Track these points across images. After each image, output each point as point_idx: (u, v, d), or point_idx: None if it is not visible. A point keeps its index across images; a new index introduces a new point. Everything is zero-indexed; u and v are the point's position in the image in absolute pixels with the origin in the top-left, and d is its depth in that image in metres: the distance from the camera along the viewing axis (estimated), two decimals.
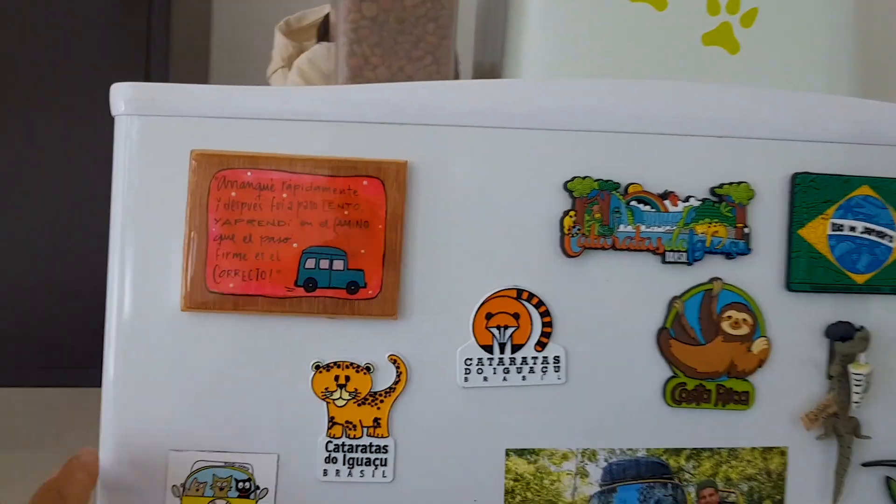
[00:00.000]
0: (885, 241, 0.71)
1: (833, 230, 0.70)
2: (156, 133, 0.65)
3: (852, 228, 0.70)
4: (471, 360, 0.67)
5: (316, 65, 0.91)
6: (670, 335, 0.68)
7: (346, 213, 0.64)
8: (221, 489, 0.66)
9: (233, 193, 0.63)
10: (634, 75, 0.85)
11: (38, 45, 1.01)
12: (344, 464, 0.67)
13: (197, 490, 0.66)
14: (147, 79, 1.06)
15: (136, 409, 0.67)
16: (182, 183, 0.64)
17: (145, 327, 0.65)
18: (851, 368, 0.69)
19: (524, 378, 0.67)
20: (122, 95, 0.65)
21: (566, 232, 0.67)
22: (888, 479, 0.74)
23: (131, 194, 0.65)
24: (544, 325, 0.67)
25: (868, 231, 0.71)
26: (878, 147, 0.71)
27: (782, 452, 0.71)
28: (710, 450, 0.70)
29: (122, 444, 0.66)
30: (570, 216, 0.67)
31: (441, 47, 0.85)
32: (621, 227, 0.67)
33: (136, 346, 0.66)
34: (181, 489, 0.66)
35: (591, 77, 0.82)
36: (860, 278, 0.70)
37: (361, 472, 0.67)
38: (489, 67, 0.95)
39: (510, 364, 0.67)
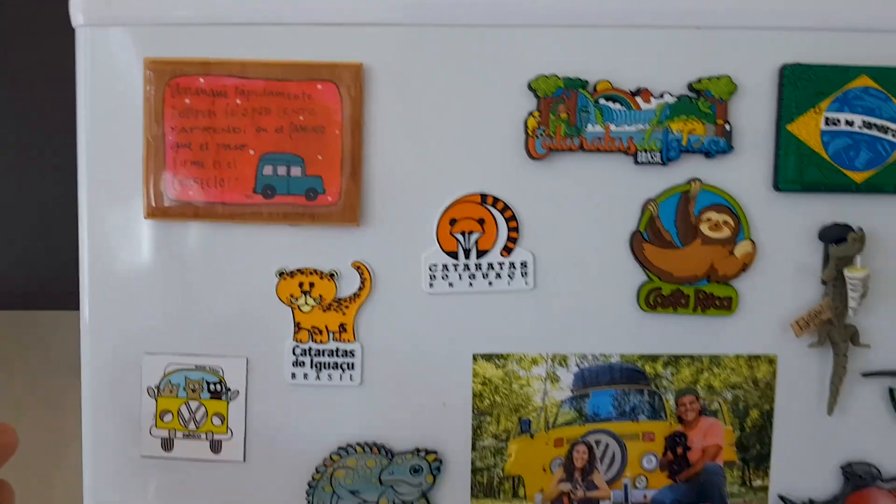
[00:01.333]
0: (888, 136, 0.67)
1: (827, 125, 0.67)
2: (113, 43, 0.67)
3: (849, 123, 0.67)
4: (435, 266, 0.67)
5: None
6: (644, 238, 0.67)
7: (301, 118, 0.65)
8: (194, 391, 0.69)
9: (187, 101, 0.64)
10: None
11: None
12: (312, 367, 0.69)
13: (171, 392, 0.69)
14: None
15: (111, 315, 0.74)
16: (139, 93, 0.64)
17: (114, 237, 0.70)
18: (847, 272, 0.67)
19: (491, 284, 0.67)
20: (80, 7, 0.65)
21: (530, 133, 0.66)
22: (892, 390, 0.71)
23: (93, 106, 0.71)
24: (510, 230, 0.67)
25: (868, 125, 0.67)
26: (880, 34, 0.66)
27: (771, 361, 0.69)
28: (690, 357, 0.69)
29: (98, 350, 0.74)
30: (535, 117, 0.65)
31: None
32: (589, 127, 0.66)
33: (106, 256, 0.73)
34: (156, 391, 0.69)
35: None
36: (858, 177, 0.67)
37: (329, 375, 0.69)
38: None
39: (476, 270, 0.67)
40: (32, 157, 1.05)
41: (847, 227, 0.70)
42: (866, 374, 0.73)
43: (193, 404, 0.73)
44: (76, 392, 0.74)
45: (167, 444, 0.74)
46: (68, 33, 0.71)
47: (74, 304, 0.74)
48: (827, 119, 0.69)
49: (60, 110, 0.82)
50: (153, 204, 0.69)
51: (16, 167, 1.07)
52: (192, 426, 0.73)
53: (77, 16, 0.70)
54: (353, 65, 0.68)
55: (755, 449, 0.74)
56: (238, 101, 0.68)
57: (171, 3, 0.69)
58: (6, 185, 1.07)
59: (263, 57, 0.68)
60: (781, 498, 0.74)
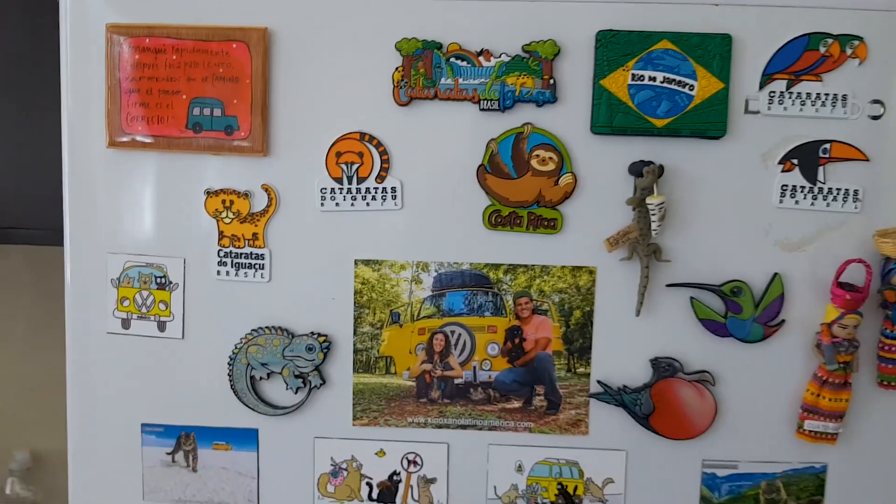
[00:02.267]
0: (685, 90, 0.83)
1: (633, 80, 0.84)
2: (83, 10, 0.88)
3: (652, 79, 0.84)
4: (325, 189, 0.87)
5: None
6: (486, 170, 0.85)
7: (220, 70, 0.85)
8: (145, 282, 0.91)
9: (136, 56, 0.86)
10: None
11: None
12: (232, 266, 0.90)
13: (128, 283, 0.91)
14: None
15: (85, 217, 0.96)
16: (103, 51, 0.86)
17: (87, 162, 0.94)
18: (647, 199, 0.83)
19: (368, 204, 0.87)
20: None
21: (396, 84, 0.85)
22: (693, 299, 0.87)
23: (71, 58, 0.92)
24: (383, 161, 0.86)
25: (668, 81, 0.84)
26: (677, 5, 0.83)
27: (591, 271, 0.87)
28: (525, 266, 0.87)
29: (76, 249, 0.96)
30: (399, 71, 0.85)
31: None
32: (442, 80, 0.84)
33: (82, 176, 0.95)
34: (118, 281, 0.90)
35: None
36: (660, 122, 0.84)
37: (245, 273, 0.90)
38: None
39: (357, 193, 0.87)
40: (26, 101, 1.27)
41: (649, 163, 0.87)
42: (670, 285, 0.91)
43: (145, 293, 0.95)
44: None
45: (126, 324, 0.96)
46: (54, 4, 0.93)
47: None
48: (633, 75, 0.86)
49: (47, 61, 1.03)
50: (113, 137, 0.91)
51: (12, 111, 1.29)
52: (143, 310, 0.95)
53: None
54: (260, 28, 0.88)
55: (578, 342, 0.92)
56: (174, 57, 0.89)
57: None
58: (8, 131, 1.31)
59: (192, 22, 0.89)
60: (600, 383, 0.92)
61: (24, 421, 1.75)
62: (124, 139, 0.91)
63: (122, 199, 0.94)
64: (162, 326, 0.95)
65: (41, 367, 1.72)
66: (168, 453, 0.97)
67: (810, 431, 0.91)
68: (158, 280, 0.94)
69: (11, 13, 1.24)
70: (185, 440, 0.96)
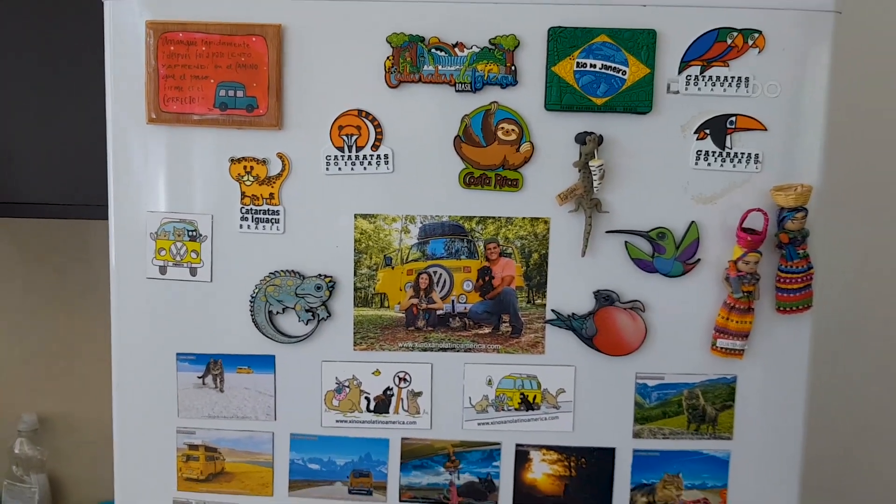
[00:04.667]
0: (619, 75, 1.06)
1: (578, 67, 1.06)
2: (126, 11, 1.08)
3: (593, 66, 1.05)
4: (329, 156, 1.07)
5: None
6: (461, 140, 1.07)
7: (243, 59, 1.05)
8: (178, 235, 1.10)
9: (172, 48, 1.06)
10: None
11: None
12: (252, 221, 1.10)
13: (164, 236, 1.11)
14: None
15: (127, 182, 1.16)
16: (142, 44, 1.08)
17: (129, 135, 1.14)
18: (590, 163, 1.04)
19: (365, 168, 1.08)
20: None
21: (387, 70, 1.05)
22: (626, 243, 1.09)
23: (116, 52, 1.11)
24: (377, 134, 1.07)
25: (605, 67, 1.05)
26: (613, 6, 1.05)
27: (546, 222, 1.08)
28: (493, 217, 1.09)
29: (119, 209, 1.16)
30: (389, 59, 1.04)
31: None
32: (425, 67, 1.05)
33: (124, 147, 1.15)
34: (156, 235, 1.10)
35: None
36: (599, 101, 1.06)
37: (263, 226, 1.10)
38: None
39: (356, 159, 1.08)
40: (75, 90, 1.46)
41: (591, 133, 1.09)
42: (609, 232, 1.13)
43: (178, 244, 1.15)
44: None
45: (163, 270, 1.16)
46: (94, 8, 1.12)
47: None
48: (578, 63, 1.08)
49: (92, 59, 1.21)
50: (152, 115, 1.11)
51: (61, 100, 1.48)
52: (177, 258, 1.15)
53: None
54: (275, 25, 1.08)
55: (536, 279, 1.14)
56: (203, 48, 1.09)
57: None
58: (53, 114, 1.49)
59: (219, 20, 1.09)
60: (553, 311, 1.14)
61: (31, 385, 1.93)
62: (162, 116, 1.10)
63: (159, 166, 1.13)
64: (193, 272, 1.15)
65: (45, 334, 1.89)
66: (199, 377, 1.17)
67: (722, 348, 1.13)
68: (190, 233, 1.14)
69: (60, 14, 1.43)
70: (213, 366, 1.17)
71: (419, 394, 1.16)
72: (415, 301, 1.14)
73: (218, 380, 1.17)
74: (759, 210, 1.10)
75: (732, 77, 1.09)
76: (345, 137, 1.10)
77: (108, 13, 1.12)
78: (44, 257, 1.88)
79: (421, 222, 1.13)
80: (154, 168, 1.14)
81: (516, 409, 1.16)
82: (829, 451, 1.80)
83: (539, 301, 1.14)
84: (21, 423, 1.85)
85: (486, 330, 1.15)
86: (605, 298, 1.13)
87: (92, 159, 1.33)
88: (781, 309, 1.13)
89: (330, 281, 1.14)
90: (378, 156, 1.11)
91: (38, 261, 1.88)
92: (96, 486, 1.94)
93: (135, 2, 1.10)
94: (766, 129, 1.10)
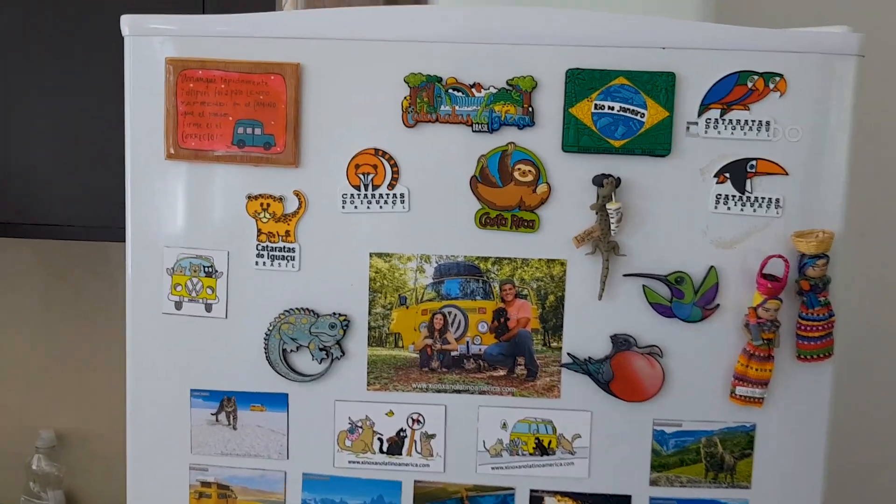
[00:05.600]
0: (637, 117, 1.05)
1: (596, 109, 1.05)
2: (146, 47, 1.09)
3: (611, 108, 1.05)
4: (346, 194, 1.07)
5: None
6: (478, 180, 1.06)
7: (261, 97, 1.05)
8: (195, 271, 1.10)
9: (191, 85, 1.06)
10: (513, 1, 1.17)
11: None
12: (268, 258, 1.10)
13: (180, 271, 1.11)
14: (203, 10, 1.45)
15: (145, 216, 1.17)
16: (163, 79, 1.07)
17: (147, 170, 1.15)
18: (607, 205, 1.03)
19: (381, 207, 1.08)
20: (126, 23, 1.08)
21: (404, 110, 1.05)
22: (644, 287, 1.08)
23: (137, 87, 1.11)
24: (393, 173, 1.07)
25: (624, 109, 1.05)
26: (632, 49, 1.05)
27: (562, 263, 1.07)
28: (509, 258, 1.08)
29: (136, 244, 1.17)
30: (407, 99, 1.04)
31: None
32: (442, 107, 1.05)
33: (143, 182, 1.16)
34: (172, 270, 1.10)
35: (480, 2, 1.17)
36: (617, 143, 1.05)
37: (279, 263, 1.10)
38: None
39: (371, 198, 1.07)
40: (104, 122, 1.48)
41: (609, 176, 1.08)
42: (626, 275, 1.11)
43: (194, 280, 1.15)
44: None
45: (178, 306, 1.16)
46: (120, 40, 1.13)
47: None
48: (596, 105, 1.07)
49: (115, 89, 1.22)
50: (171, 151, 1.11)
51: (84, 128, 1.50)
52: (193, 294, 1.15)
53: (125, 28, 1.12)
54: (294, 64, 1.09)
55: (552, 321, 1.13)
56: (222, 86, 1.09)
57: (182, 24, 1.10)
58: (76, 141, 1.51)
59: (238, 58, 1.09)
60: (569, 355, 1.13)
61: (49, 401, 1.95)
62: (180, 152, 1.11)
63: (177, 202, 1.14)
64: (209, 308, 1.15)
65: (63, 350, 1.91)
66: (212, 414, 1.17)
67: (741, 396, 1.12)
68: (206, 269, 1.14)
69: (82, 50, 1.46)
70: (226, 403, 1.16)
71: (433, 436, 1.15)
72: (429, 341, 1.14)
73: (231, 417, 1.17)
74: (779, 256, 1.09)
75: (753, 121, 1.08)
76: (361, 176, 1.11)
77: (129, 48, 1.13)
78: (61, 274, 1.91)
79: (436, 262, 1.13)
80: (172, 203, 1.14)
81: (531, 454, 1.14)
82: (850, 502, 1.77)
83: (555, 344, 1.13)
84: (39, 440, 1.87)
85: (501, 372, 1.14)
86: (622, 343, 1.12)
87: (112, 183, 1.35)
88: (802, 357, 1.11)
89: (344, 320, 1.13)
90: (394, 195, 1.11)
91: (56, 277, 1.91)
92: (112, 503, 1.94)
93: (156, 38, 1.11)
94: (786, 174, 1.09)
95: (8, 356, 1.96)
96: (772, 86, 1.08)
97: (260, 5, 1.75)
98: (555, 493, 1.15)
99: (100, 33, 1.47)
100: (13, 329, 1.95)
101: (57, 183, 1.53)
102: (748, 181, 1.09)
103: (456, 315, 1.13)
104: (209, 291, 1.15)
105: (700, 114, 1.08)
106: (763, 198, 1.09)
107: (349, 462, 1.16)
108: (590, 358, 1.13)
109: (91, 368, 1.94)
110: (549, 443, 1.14)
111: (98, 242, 1.84)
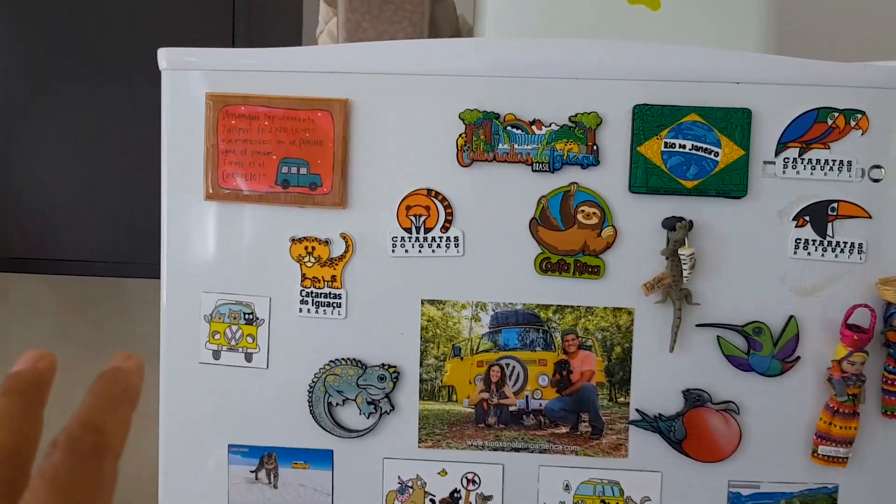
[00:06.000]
0: (710, 156, 0.97)
1: (666, 148, 0.98)
2: (185, 81, 1.02)
3: (682, 146, 0.97)
4: (396, 237, 1.00)
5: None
6: (538, 223, 0.99)
7: (307, 135, 0.99)
8: (234, 318, 1.03)
9: (233, 122, 0.99)
10: (572, 34, 1.11)
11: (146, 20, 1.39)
12: (312, 305, 1.02)
13: (219, 318, 1.03)
14: (233, 44, 1.41)
15: (181, 259, 1.10)
16: (202, 116, 1.00)
17: (185, 210, 1.05)
18: (679, 251, 0.96)
19: (433, 251, 1.00)
20: (163, 57, 1.01)
21: (460, 148, 0.98)
22: (719, 338, 1.00)
23: (172, 123, 1.07)
24: (447, 214, 0.99)
25: (696, 148, 0.97)
26: (704, 84, 0.98)
27: (629, 312, 1.00)
28: (572, 307, 1.00)
29: (172, 288, 1.10)
30: (462, 137, 0.98)
31: (416, 13, 1.16)
32: (500, 146, 0.98)
33: (180, 223, 1.09)
34: (210, 317, 1.03)
35: (534, 34, 1.10)
36: (689, 184, 0.97)
37: (324, 311, 1.02)
38: (469, 29, 1.24)
39: (423, 241, 1.00)
40: (129, 157, 1.43)
41: (681, 219, 1.01)
42: (699, 325, 1.04)
43: (234, 328, 1.08)
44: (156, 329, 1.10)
45: (216, 355, 1.09)
46: (157, 74, 1.07)
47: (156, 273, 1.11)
48: (666, 143, 1.00)
49: (151, 125, 1.17)
50: (210, 191, 1.05)
51: (117, 164, 1.45)
52: (232, 343, 1.08)
53: (162, 62, 1.06)
54: (342, 100, 1.02)
55: (619, 375, 1.05)
56: (266, 123, 1.03)
57: (222, 58, 1.04)
58: (111, 178, 1.46)
59: (283, 93, 1.03)
60: (638, 411, 1.05)
61: None
62: (221, 193, 1.05)
63: (216, 244, 1.07)
64: (249, 357, 1.08)
65: (81, 386, 1.86)
66: (252, 471, 1.09)
67: (823, 456, 1.03)
68: (246, 316, 1.08)
69: (105, 84, 1.41)
70: (267, 459, 1.09)
71: (489, 497, 1.07)
72: (485, 395, 1.06)
73: (272, 475, 1.09)
74: (864, 306, 1.01)
75: (833, 160, 1.01)
76: (412, 218, 1.04)
77: (167, 83, 1.07)
78: (81, 310, 1.86)
79: (493, 310, 1.05)
80: (210, 246, 1.08)
81: None
82: None
83: (622, 399, 1.05)
84: None
85: (564, 429, 1.05)
86: (695, 398, 1.04)
87: (135, 218, 1.30)
88: (888, 413, 1.03)
89: (394, 371, 1.06)
90: (447, 238, 1.04)
91: (76, 312, 1.86)
92: None
93: (195, 73, 1.05)
94: (870, 217, 1.01)
95: None
96: (853, 123, 1.00)
97: (289, 40, 1.71)
98: None
99: (124, 67, 1.43)
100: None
101: (78, 218, 1.49)
102: (829, 224, 1.01)
103: (514, 367, 1.05)
104: (249, 340, 1.08)
105: (777, 153, 1.01)
106: (845, 242, 1.01)
107: None
108: (660, 415, 1.05)
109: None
110: None
111: (115, 278, 1.79)
